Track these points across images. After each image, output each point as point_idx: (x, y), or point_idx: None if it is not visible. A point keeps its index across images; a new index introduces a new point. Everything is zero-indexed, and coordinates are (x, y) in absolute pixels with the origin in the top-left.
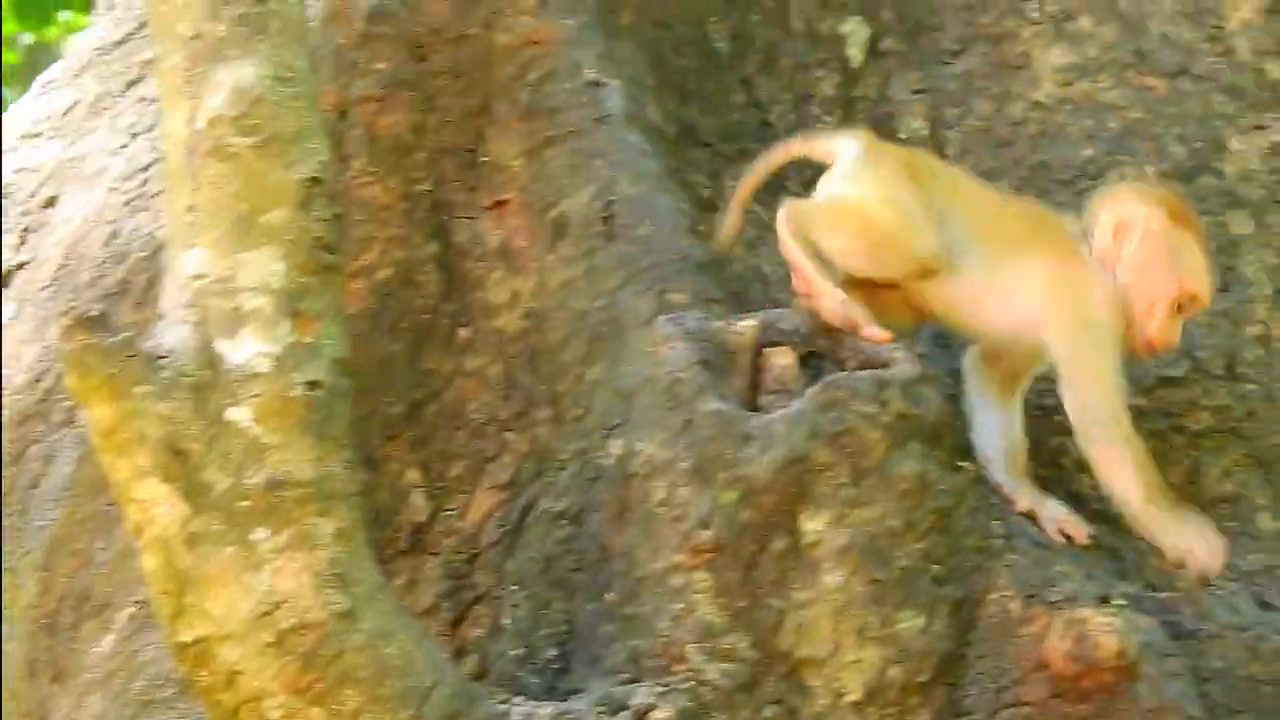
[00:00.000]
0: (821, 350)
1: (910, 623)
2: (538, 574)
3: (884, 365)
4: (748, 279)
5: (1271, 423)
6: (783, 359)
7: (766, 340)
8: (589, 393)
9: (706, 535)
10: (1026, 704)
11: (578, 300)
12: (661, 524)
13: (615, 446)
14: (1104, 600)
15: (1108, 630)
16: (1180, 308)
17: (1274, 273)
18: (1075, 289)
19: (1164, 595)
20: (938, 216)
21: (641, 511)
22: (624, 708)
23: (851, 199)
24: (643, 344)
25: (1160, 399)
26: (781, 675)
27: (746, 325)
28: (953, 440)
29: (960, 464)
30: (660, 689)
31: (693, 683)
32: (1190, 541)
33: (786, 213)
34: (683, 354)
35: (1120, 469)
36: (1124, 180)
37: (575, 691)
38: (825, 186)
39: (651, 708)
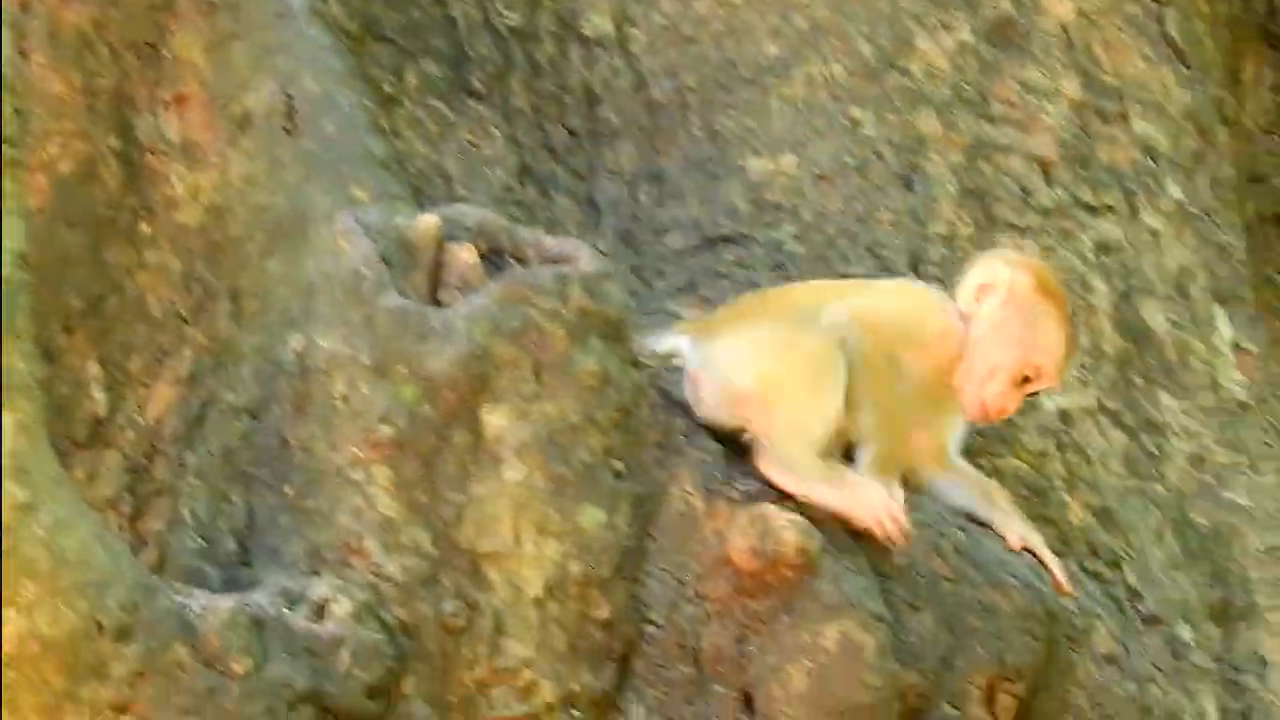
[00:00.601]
0: (503, 246)
1: (591, 518)
2: (217, 467)
3: (566, 261)
4: (430, 175)
5: None
6: (465, 254)
7: (448, 236)
8: (270, 287)
9: (386, 430)
10: (708, 599)
11: (259, 195)
12: (341, 419)
13: (295, 341)
14: (785, 495)
15: (789, 526)
16: (1025, 380)
17: (960, 172)
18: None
19: None
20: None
21: (322, 406)
22: (303, 600)
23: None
24: (324, 239)
25: None
26: (461, 570)
27: (428, 221)
28: (634, 337)
29: (642, 360)
30: (339, 582)
31: (372, 576)
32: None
33: (764, 464)
34: (364, 249)
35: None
36: (1002, 247)
37: (255, 584)
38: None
39: (331, 601)
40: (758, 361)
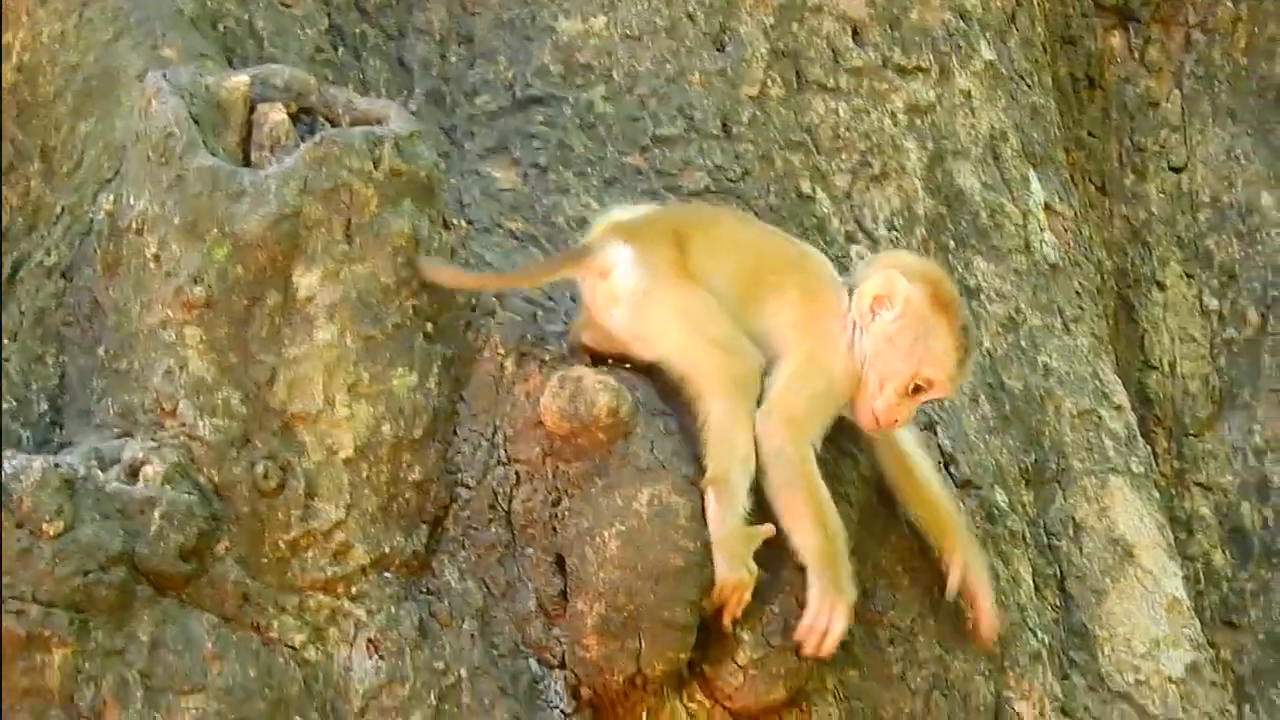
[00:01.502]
0: (314, 106)
1: (402, 380)
2: (29, 328)
3: (377, 121)
4: (240, 35)
5: (767, 182)
6: (276, 115)
7: (259, 96)
8: (81, 147)
9: (198, 290)
10: (520, 461)
11: (69, 54)
12: (153, 279)
13: (106, 201)
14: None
15: (601, 388)
16: (916, 390)
17: (770, 32)
18: (818, 329)
19: None
20: (727, 301)
21: (133, 266)
22: (116, 461)
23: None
24: (134, 99)
25: (656, 158)
26: (274, 431)
27: (239, 80)
28: (445, 198)
29: (452, 221)
30: (152, 444)
31: (184, 437)
32: (831, 612)
33: (712, 493)
34: (174, 109)
35: (799, 517)
36: (898, 251)
37: (67, 445)
38: (624, 324)
39: (143, 462)
40: (690, 348)
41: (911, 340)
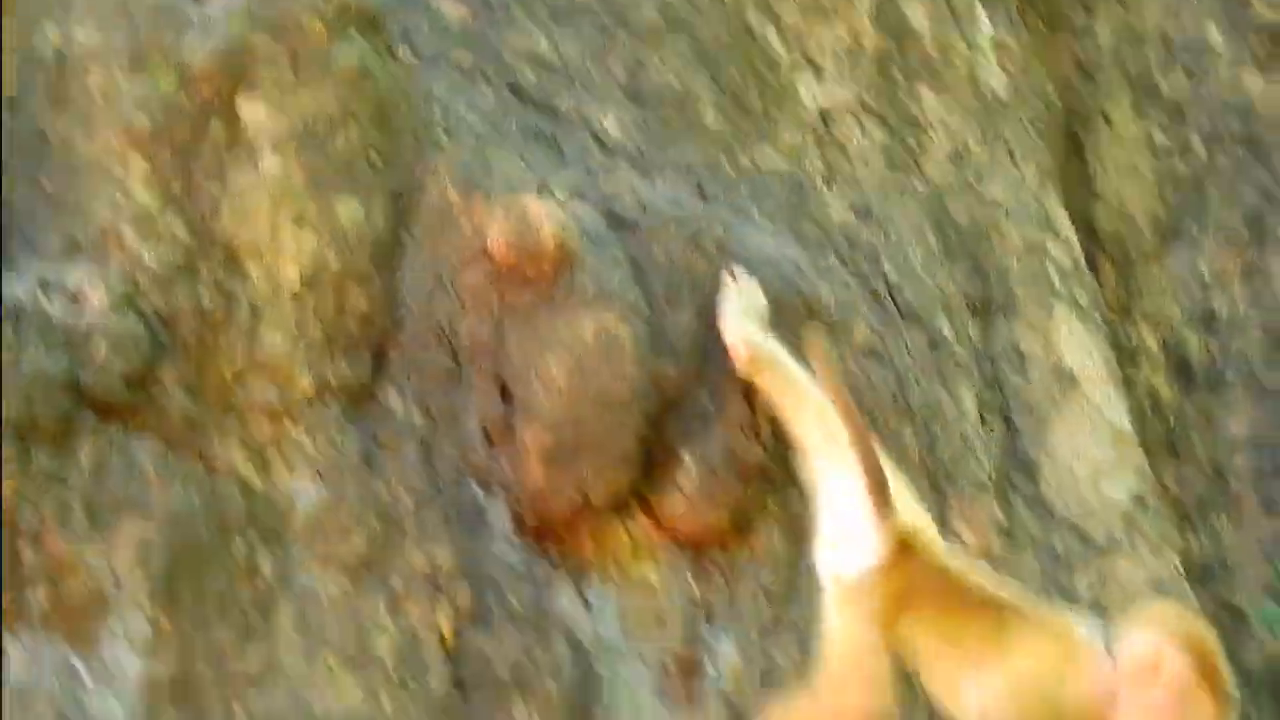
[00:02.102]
0: None
1: (348, 210)
2: None
3: None
4: None
5: (715, 18)
6: None
7: None
8: None
9: (143, 121)
10: (465, 291)
11: None
12: (98, 109)
13: (52, 33)
14: (544, 189)
15: (547, 218)
16: None
17: None
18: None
19: (604, 186)
20: None
21: (79, 98)
22: (60, 291)
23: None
24: None
25: None
26: (219, 261)
27: None
28: (392, 30)
29: (398, 54)
30: (96, 274)
31: (129, 266)
32: None
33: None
34: None
35: None
36: (1169, 608)
37: (11, 276)
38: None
39: (88, 291)
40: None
41: (1172, 716)
